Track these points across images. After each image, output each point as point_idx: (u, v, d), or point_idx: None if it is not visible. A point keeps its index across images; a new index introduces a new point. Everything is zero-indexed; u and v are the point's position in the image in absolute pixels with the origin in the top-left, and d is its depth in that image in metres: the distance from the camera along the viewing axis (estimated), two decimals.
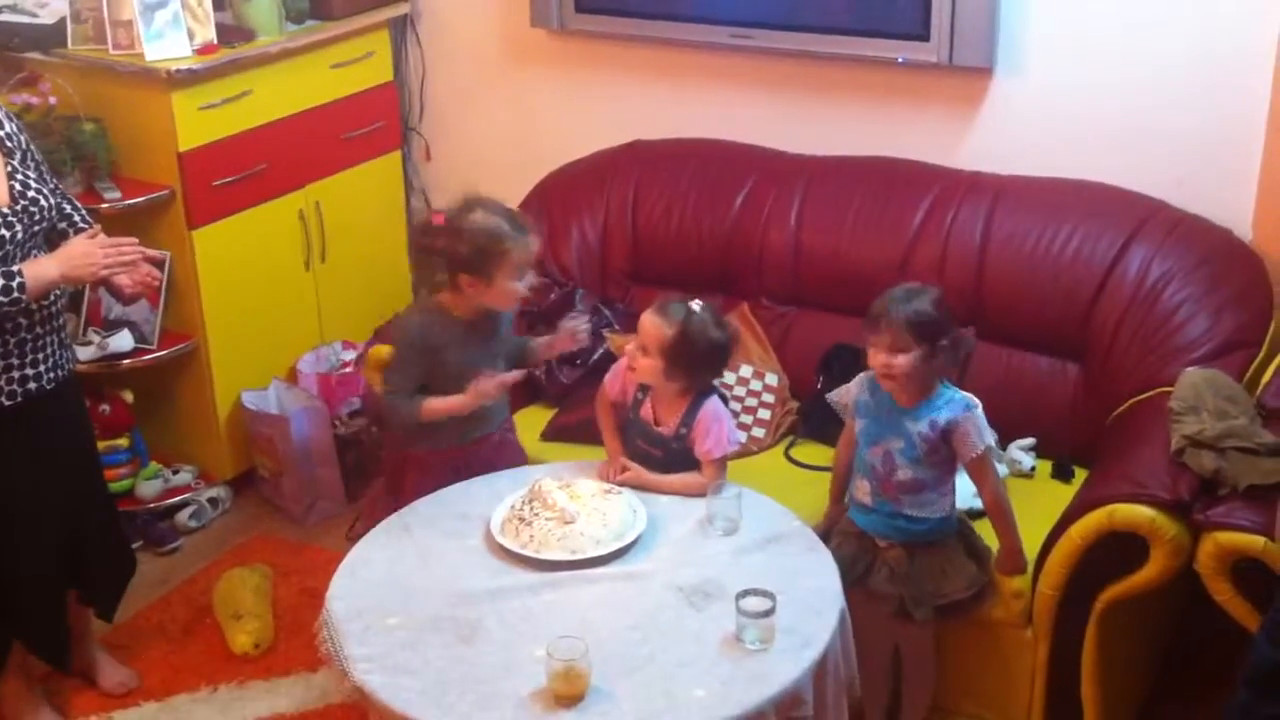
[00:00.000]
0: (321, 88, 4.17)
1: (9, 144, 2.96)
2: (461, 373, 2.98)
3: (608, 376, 3.09)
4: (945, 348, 2.79)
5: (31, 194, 2.93)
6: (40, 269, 2.88)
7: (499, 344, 3.09)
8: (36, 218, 2.94)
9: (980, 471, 2.84)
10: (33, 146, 3.05)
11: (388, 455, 3.25)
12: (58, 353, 3.03)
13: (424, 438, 3.06)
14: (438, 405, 2.99)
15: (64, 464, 3.10)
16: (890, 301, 2.80)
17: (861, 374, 2.92)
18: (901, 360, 2.77)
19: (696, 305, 2.91)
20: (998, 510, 2.87)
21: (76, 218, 3.12)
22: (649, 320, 2.91)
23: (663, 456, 2.98)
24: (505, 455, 3.17)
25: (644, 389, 3.00)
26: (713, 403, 2.95)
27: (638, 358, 2.92)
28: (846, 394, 2.94)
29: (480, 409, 3.03)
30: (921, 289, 2.84)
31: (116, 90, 3.81)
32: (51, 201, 2.99)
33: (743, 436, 3.47)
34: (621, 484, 2.92)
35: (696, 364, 2.91)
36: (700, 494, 2.88)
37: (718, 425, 2.92)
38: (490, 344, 3.06)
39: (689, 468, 2.96)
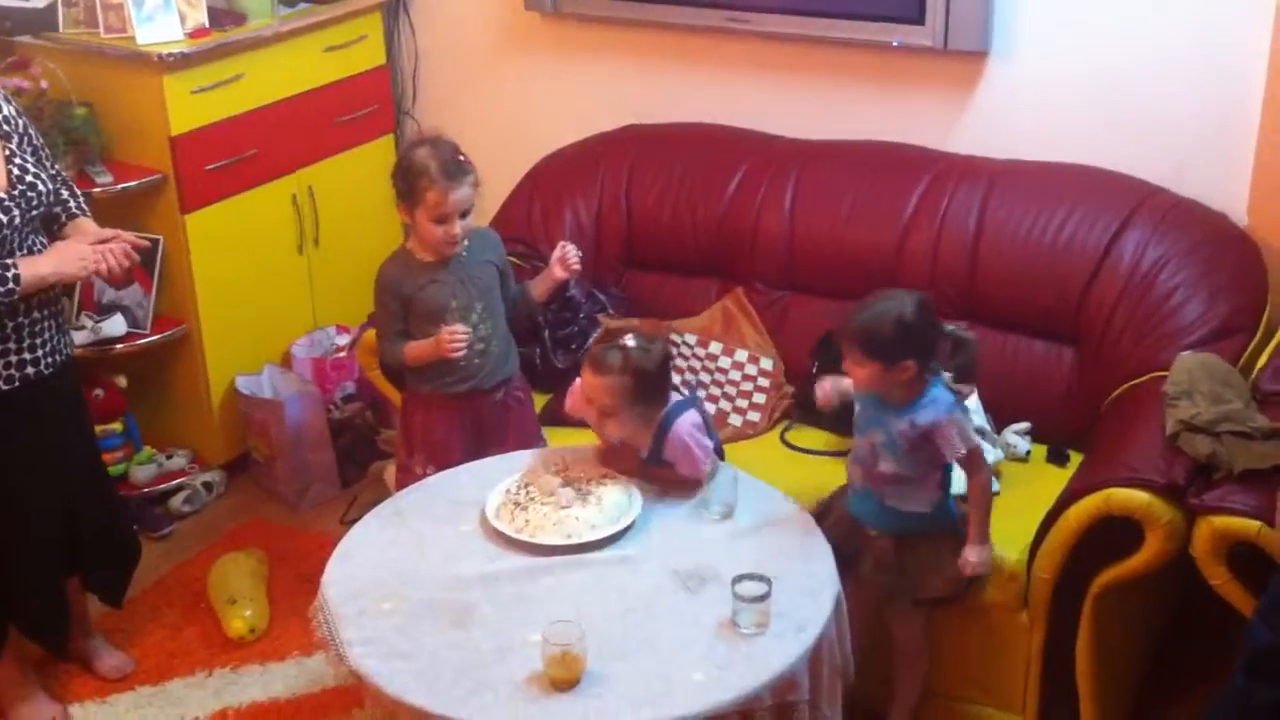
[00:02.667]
0: (314, 71, 4.15)
1: (6, 127, 2.95)
2: (433, 315, 3.04)
3: (567, 401, 3.01)
4: (910, 366, 2.69)
5: (29, 179, 2.92)
6: (34, 265, 2.89)
7: (476, 286, 3.09)
8: (34, 202, 2.92)
9: (968, 468, 2.79)
10: (31, 130, 3.03)
11: (404, 402, 3.27)
12: (56, 338, 3.02)
13: (421, 381, 3.13)
14: (414, 350, 3.07)
15: (62, 449, 3.09)
16: (855, 313, 2.74)
17: None
18: (858, 374, 2.74)
19: (628, 341, 2.83)
20: (976, 502, 2.81)
21: (72, 204, 3.12)
22: (598, 383, 2.80)
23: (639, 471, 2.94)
24: (513, 417, 3.20)
25: None
26: (675, 430, 2.84)
27: (605, 425, 2.85)
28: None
29: (462, 361, 3.05)
30: (897, 301, 2.73)
31: (108, 74, 3.80)
32: (50, 187, 2.98)
33: (739, 420, 3.48)
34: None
35: (658, 389, 2.85)
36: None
37: (686, 450, 2.84)
38: (466, 286, 3.07)
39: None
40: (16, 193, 2.88)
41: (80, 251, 2.96)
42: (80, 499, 3.16)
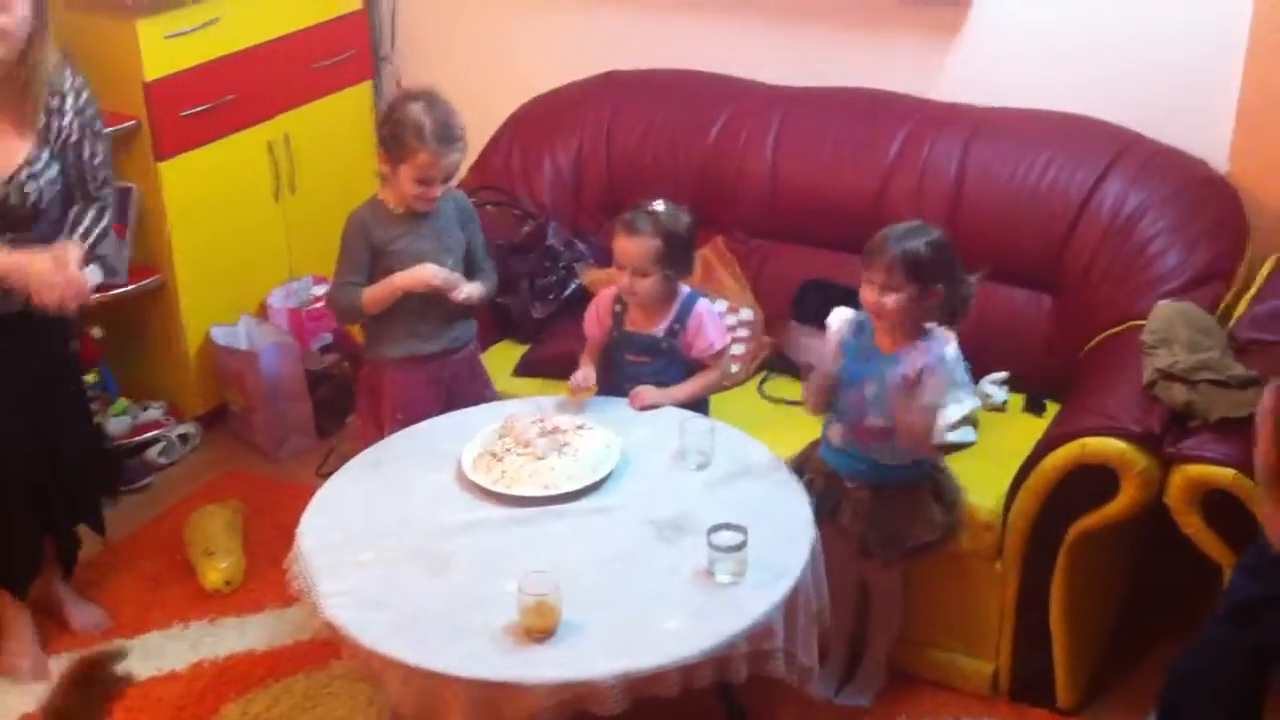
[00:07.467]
0: (291, 15, 4.10)
1: (47, 134, 2.95)
2: (409, 264, 3.02)
3: (586, 326, 3.13)
4: (940, 291, 2.72)
5: (21, 179, 2.89)
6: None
7: (448, 239, 3.08)
8: (10, 200, 2.90)
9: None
10: (86, 147, 3.02)
11: (363, 374, 3.24)
12: None
13: (393, 345, 3.08)
14: (374, 293, 3.04)
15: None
16: (886, 238, 2.75)
17: (851, 313, 2.87)
18: (890, 300, 2.73)
19: (657, 206, 2.98)
20: (903, 432, 2.75)
21: (79, 228, 3.04)
22: (631, 244, 2.95)
23: (652, 361, 3.03)
24: (477, 375, 3.22)
25: (621, 303, 3.06)
26: (703, 303, 3.05)
27: (636, 282, 2.96)
28: (835, 321, 2.90)
29: (437, 318, 3.06)
30: (922, 228, 2.77)
31: (79, 18, 3.73)
32: (32, 198, 2.93)
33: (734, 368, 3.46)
34: (644, 408, 2.97)
35: (685, 252, 3.01)
36: (718, 389, 3.10)
37: (713, 321, 3.05)
38: (441, 239, 3.06)
39: (679, 371, 3.03)
40: None
41: (44, 281, 2.89)
42: (25, 456, 3.08)
